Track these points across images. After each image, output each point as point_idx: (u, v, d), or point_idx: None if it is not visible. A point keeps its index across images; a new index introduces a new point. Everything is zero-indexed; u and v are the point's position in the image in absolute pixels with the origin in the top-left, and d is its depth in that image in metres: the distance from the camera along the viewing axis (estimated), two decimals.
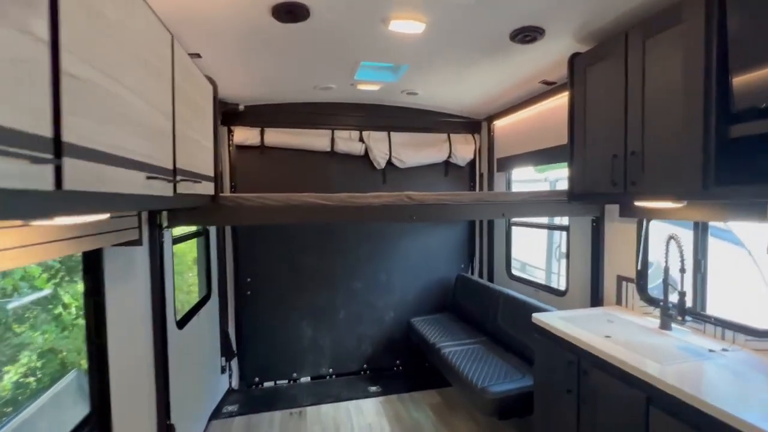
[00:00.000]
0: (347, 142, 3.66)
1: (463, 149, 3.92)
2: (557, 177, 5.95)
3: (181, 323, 2.23)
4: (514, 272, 3.68)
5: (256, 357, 3.57)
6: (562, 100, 2.81)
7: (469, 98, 3.40)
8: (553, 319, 2.14)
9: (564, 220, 3.01)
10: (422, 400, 3.22)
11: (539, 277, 6.24)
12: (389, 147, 3.74)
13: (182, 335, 2.20)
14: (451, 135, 3.92)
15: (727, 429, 1.21)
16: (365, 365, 3.83)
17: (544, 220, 3.52)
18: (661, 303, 1.99)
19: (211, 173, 1.75)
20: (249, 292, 3.54)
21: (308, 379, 3.71)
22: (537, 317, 2.19)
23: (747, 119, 1.39)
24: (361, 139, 3.71)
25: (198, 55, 2.23)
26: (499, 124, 3.74)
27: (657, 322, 2.05)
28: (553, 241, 6.03)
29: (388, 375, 3.78)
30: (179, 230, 2.44)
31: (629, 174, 1.85)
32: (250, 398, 3.40)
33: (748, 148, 1.49)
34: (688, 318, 1.80)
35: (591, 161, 2.11)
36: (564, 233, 3.01)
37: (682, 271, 1.82)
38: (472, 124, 3.98)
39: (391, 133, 3.77)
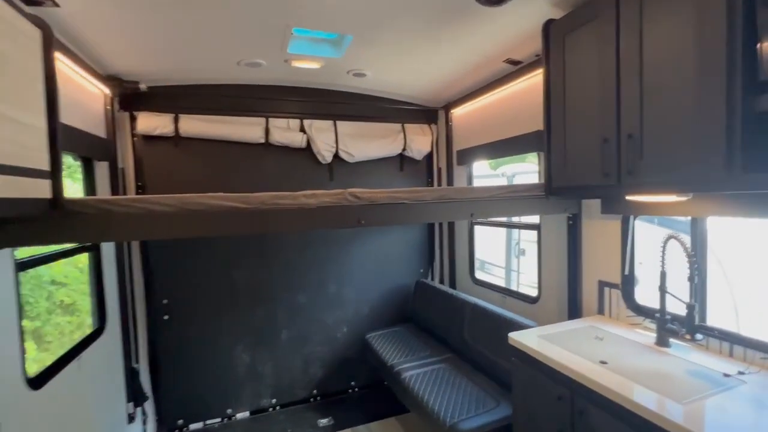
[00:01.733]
0: (285, 132, 3.09)
1: (420, 141, 3.51)
2: (515, 171, 5.78)
3: (41, 379, 1.58)
4: (478, 276, 3.34)
5: (179, 395, 2.92)
6: (530, 81, 2.48)
7: (425, 82, 2.98)
8: (534, 340, 1.77)
9: (534, 217, 2.69)
10: None
11: (498, 275, 6.05)
12: (335, 138, 3.23)
13: (41, 397, 1.56)
14: (405, 125, 3.49)
15: None
16: (315, 391, 3.30)
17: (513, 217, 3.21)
18: (657, 315, 1.68)
19: (43, 166, 1.15)
20: (166, 317, 2.87)
21: (246, 414, 3.12)
22: (515, 338, 1.81)
23: None
24: (303, 129, 3.16)
25: (54, 2, 1.58)
26: (457, 112, 3.37)
27: (650, 336, 1.75)
28: (512, 238, 5.86)
29: (342, 401, 3.27)
30: (41, 248, 1.77)
31: (624, 162, 1.50)
32: None
33: None
34: (698, 336, 1.49)
35: (574, 148, 1.75)
36: (532, 233, 2.69)
37: (691, 279, 1.50)
38: (429, 113, 3.58)
39: (338, 123, 3.27)
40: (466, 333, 2.71)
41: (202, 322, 2.94)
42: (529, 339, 1.78)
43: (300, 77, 2.92)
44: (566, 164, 1.79)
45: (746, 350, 1.49)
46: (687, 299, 1.55)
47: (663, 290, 1.65)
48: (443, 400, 2.18)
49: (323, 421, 2.95)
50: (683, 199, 1.48)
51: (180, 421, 2.94)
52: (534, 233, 2.61)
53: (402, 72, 2.80)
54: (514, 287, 5.64)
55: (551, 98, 1.87)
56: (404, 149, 3.45)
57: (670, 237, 1.59)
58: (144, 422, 2.79)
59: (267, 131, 3.02)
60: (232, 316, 3.02)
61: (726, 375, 1.40)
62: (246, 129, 2.98)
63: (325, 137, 3.18)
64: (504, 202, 1.91)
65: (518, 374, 1.79)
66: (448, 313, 2.98)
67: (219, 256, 2.96)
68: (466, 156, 3.21)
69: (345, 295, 3.37)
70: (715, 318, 1.69)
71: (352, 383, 3.42)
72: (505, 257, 5.79)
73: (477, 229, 3.34)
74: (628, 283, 1.95)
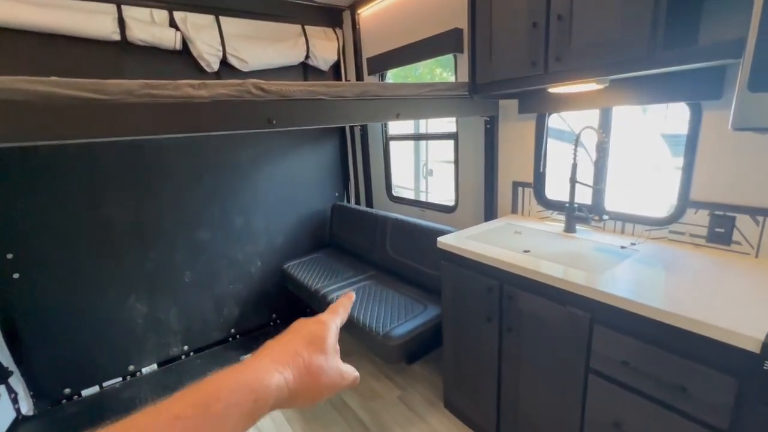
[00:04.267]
0: (149, 27, 2.38)
1: (324, 47, 3.09)
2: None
3: None
4: (395, 193, 3.30)
5: (58, 362, 2.42)
6: None
7: None
8: (462, 241, 1.78)
9: (450, 127, 2.64)
10: None
11: (407, 198, 6.23)
12: (221, 39, 2.62)
13: None
14: (306, 28, 3.00)
15: (687, 334, 1.01)
16: (233, 330, 3.07)
17: (428, 129, 3.14)
18: (567, 205, 1.81)
19: None
20: (16, 275, 2.23)
21: (154, 367, 2.78)
22: (443, 241, 1.81)
23: None
24: (174, 25, 2.48)
25: None
26: (365, 13, 2.99)
27: (558, 225, 1.91)
28: (419, 158, 5.97)
29: (265, 334, 3.12)
30: None
31: (552, 48, 1.44)
32: (58, 420, 2.33)
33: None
34: (605, 217, 1.64)
35: (500, 40, 1.64)
36: (440, 151, 2.66)
37: (601, 165, 1.60)
38: (333, 14, 3.13)
39: (222, 19, 2.64)
40: (389, 248, 2.71)
41: (72, 275, 2.37)
42: (457, 241, 1.79)
43: None
44: (492, 58, 1.69)
45: (634, 226, 1.71)
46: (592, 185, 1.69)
47: (574, 181, 1.76)
48: (373, 313, 2.18)
49: (246, 357, 2.77)
50: (601, 87, 1.51)
51: (67, 390, 2.48)
52: (444, 150, 2.59)
53: None
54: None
55: None
56: (307, 56, 3.01)
57: (585, 128, 1.66)
58: (14, 400, 2.28)
59: (122, 23, 2.28)
60: (115, 263, 2.50)
61: (622, 247, 1.59)
62: (89, 19, 2.20)
63: (206, 37, 2.56)
64: (429, 102, 1.77)
65: (447, 276, 1.82)
66: (368, 231, 2.92)
67: (81, 189, 2.32)
68: (378, 63, 2.94)
69: (254, 226, 3.05)
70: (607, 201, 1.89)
71: (273, 315, 3.27)
72: (414, 178, 5.93)
73: (392, 144, 3.22)
74: (539, 181, 2.07)
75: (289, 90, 1.33)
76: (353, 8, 3.03)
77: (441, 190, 6.14)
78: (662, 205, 1.68)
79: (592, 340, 1.26)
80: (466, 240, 1.80)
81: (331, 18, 3.13)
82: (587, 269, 1.39)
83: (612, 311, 1.19)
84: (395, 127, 3.26)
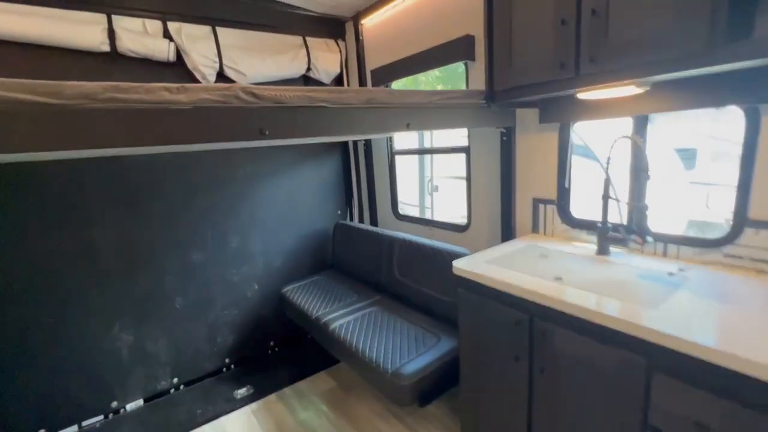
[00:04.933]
0: (141, 38, 2.25)
1: (326, 59, 2.95)
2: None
3: None
4: (402, 210, 3.10)
5: (31, 399, 2.18)
6: None
7: None
8: (482, 266, 1.57)
9: (461, 140, 2.46)
10: (311, 391, 2.48)
11: (412, 215, 6.01)
12: (218, 51, 2.49)
13: None
14: (308, 39, 2.88)
15: None
16: (227, 360, 2.84)
17: (434, 142, 2.97)
18: (600, 224, 1.60)
19: None
20: None
21: (140, 403, 2.53)
22: (460, 266, 1.59)
23: None
24: (168, 36, 2.35)
25: None
26: (369, 23, 2.87)
27: (589, 247, 1.70)
28: (424, 174, 5.79)
29: (261, 365, 2.88)
30: None
31: (585, 47, 1.27)
32: None
33: None
34: (649, 239, 1.43)
35: (522, 41, 1.47)
36: (446, 167, 2.48)
37: (639, 179, 1.40)
38: (335, 25, 3.01)
39: (219, 29, 2.51)
40: (396, 270, 2.49)
41: (50, 302, 2.16)
42: (475, 265, 1.58)
43: None
44: (512, 62, 1.52)
45: (679, 248, 1.50)
46: (628, 202, 1.48)
47: (607, 197, 1.56)
48: (380, 346, 1.95)
49: (240, 392, 2.54)
50: (640, 91, 1.33)
51: (41, 431, 2.24)
52: (449, 165, 2.41)
53: None
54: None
55: None
56: (308, 69, 2.87)
57: (620, 138, 1.46)
58: None
59: (112, 34, 2.15)
60: (97, 288, 2.30)
61: (670, 274, 1.37)
62: (77, 30, 2.06)
63: (202, 48, 2.42)
64: (443, 112, 1.59)
65: (465, 305, 1.60)
66: (374, 252, 2.71)
67: (61, 209, 2.14)
68: (383, 75, 2.79)
69: (251, 247, 2.85)
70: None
71: (271, 343, 3.03)
72: (418, 195, 5.73)
73: (397, 159, 3.05)
74: (563, 198, 1.87)
75: (284, 96, 1.15)
76: (356, 19, 2.91)
77: (447, 206, 5.97)
78: (681, 222, 1.48)
79: (650, 390, 1.04)
80: (485, 265, 1.58)
81: (334, 29, 3.01)
82: (635, 301, 1.17)
83: (677, 357, 0.97)
84: (400, 140, 3.09)
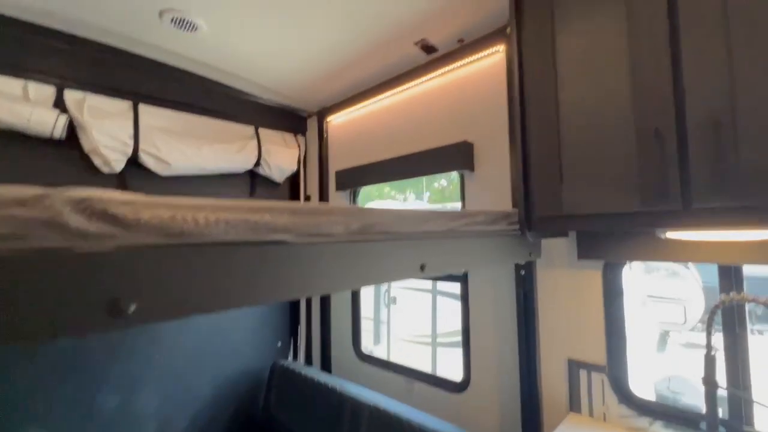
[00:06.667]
0: (19, 104, 1.56)
1: (281, 155, 2.45)
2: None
3: None
4: (367, 348, 2.35)
5: None
6: (448, 77, 1.82)
7: (295, 64, 2.00)
8: None
9: None
10: None
11: (368, 329, 5.13)
12: (135, 131, 1.86)
13: None
14: (261, 130, 2.39)
15: None
16: None
17: None
18: (708, 420, 1.04)
19: None
20: None
21: None
22: None
23: None
24: (61, 105, 1.69)
25: None
26: (336, 120, 2.48)
27: None
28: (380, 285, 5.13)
29: None
30: None
31: (699, 171, 0.85)
32: None
33: None
34: None
35: (580, 156, 1.05)
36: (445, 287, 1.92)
37: (739, 354, 0.90)
38: (296, 119, 2.59)
39: (142, 107, 1.92)
40: None
41: None
42: None
43: (67, 8, 1.53)
44: (565, 180, 1.07)
45: None
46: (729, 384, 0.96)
47: (712, 383, 1.03)
48: None
49: None
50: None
51: None
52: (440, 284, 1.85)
53: (261, 38, 1.75)
54: (384, 343, 4.83)
55: (525, 86, 1.16)
56: (257, 164, 2.32)
57: (725, 299, 0.99)
58: None
59: None
60: None
61: None
62: None
63: (111, 126, 1.78)
64: (465, 244, 1.04)
65: None
66: (329, 418, 1.86)
67: None
68: (350, 178, 2.31)
69: (138, 407, 1.86)
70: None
71: None
72: (373, 307, 4.98)
73: None
74: (617, 365, 1.32)
75: (196, 221, 0.51)
76: (322, 114, 2.52)
77: (406, 321, 5.24)
78: None
79: None
80: None
81: (294, 122, 2.58)
82: None
83: None
84: None
